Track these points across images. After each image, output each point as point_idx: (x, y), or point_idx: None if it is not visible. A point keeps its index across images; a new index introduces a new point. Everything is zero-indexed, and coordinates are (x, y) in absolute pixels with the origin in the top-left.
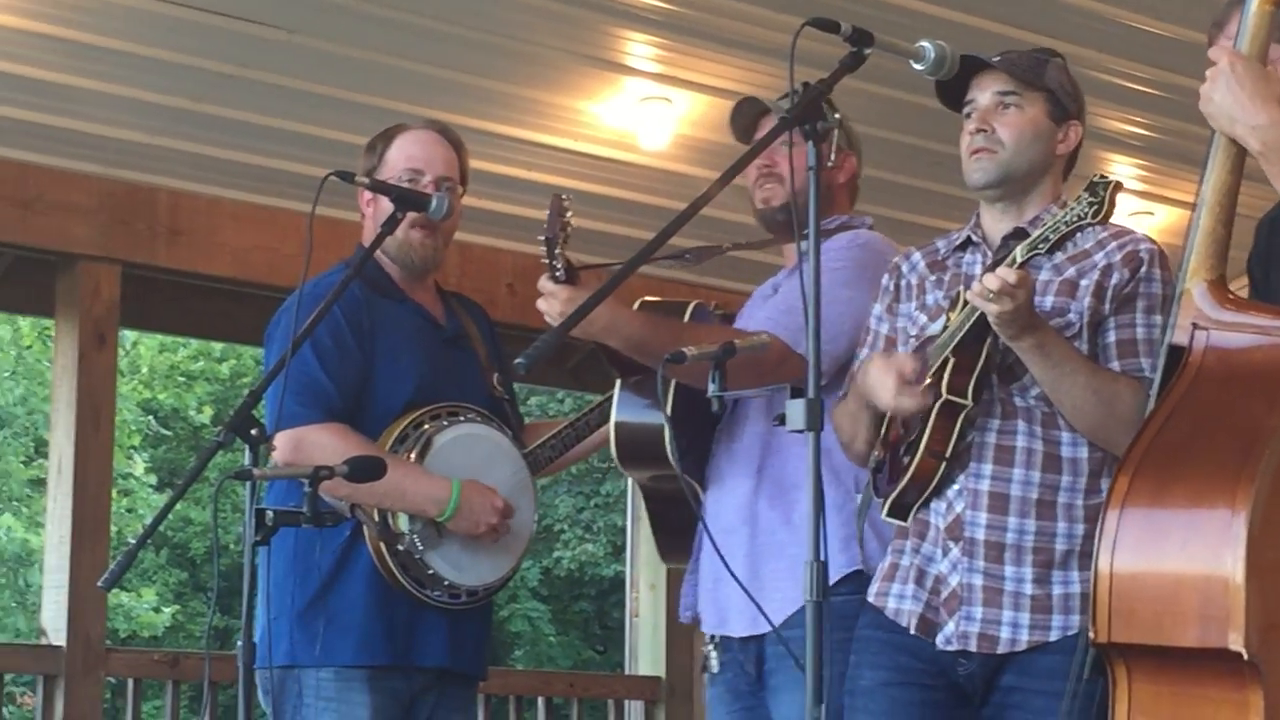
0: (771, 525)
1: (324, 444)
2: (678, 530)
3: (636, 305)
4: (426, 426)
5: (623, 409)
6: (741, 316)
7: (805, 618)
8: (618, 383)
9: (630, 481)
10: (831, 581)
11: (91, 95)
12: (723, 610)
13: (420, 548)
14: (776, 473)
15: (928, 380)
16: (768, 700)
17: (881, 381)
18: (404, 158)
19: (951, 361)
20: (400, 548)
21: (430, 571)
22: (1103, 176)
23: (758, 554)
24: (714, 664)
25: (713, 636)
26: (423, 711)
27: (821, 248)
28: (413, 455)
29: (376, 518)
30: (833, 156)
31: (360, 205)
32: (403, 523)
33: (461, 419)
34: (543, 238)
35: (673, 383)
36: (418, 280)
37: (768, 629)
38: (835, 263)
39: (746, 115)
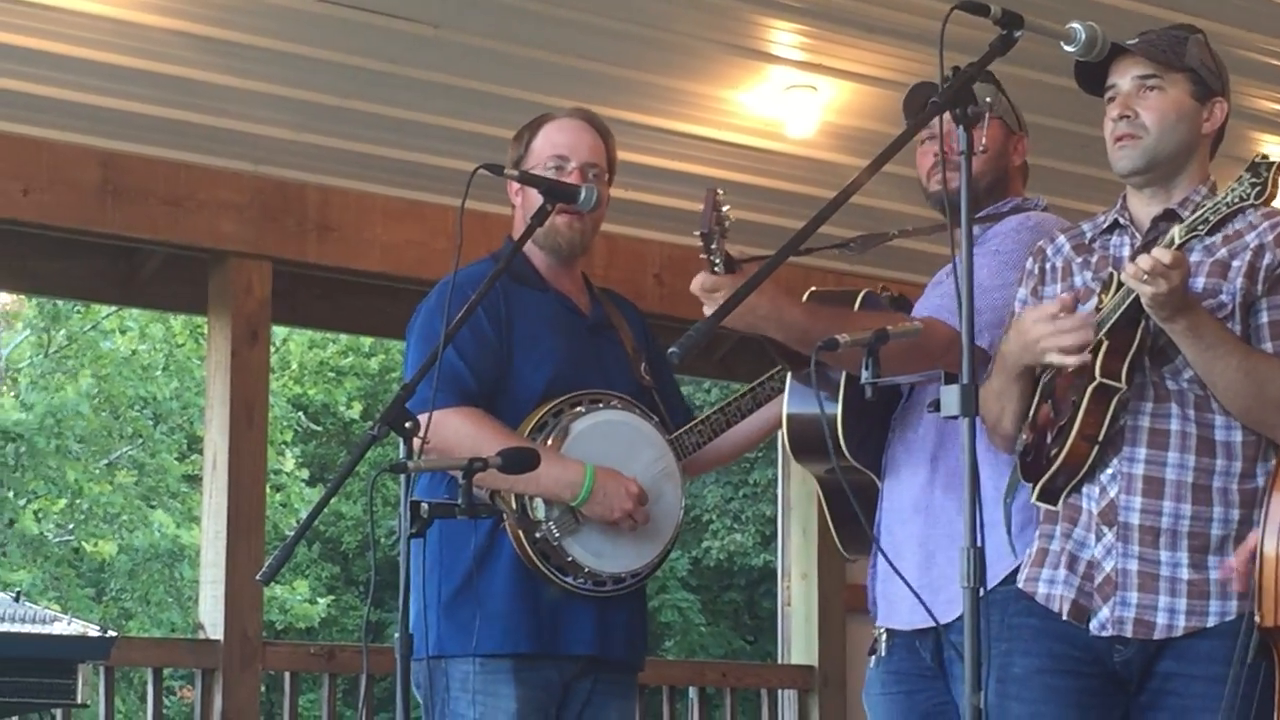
0: (948, 514)
1: (456, 428)
2: (859, 523)
3: (806, 295)
4: (566, 413)
5: (793, 401)
6: (916, 306)
7: (980, 607)
8: (788, 376)
9: (780, 471)
10: (1014, 568)
11: (239, 93)
12: (893, 603)
13: (557, 535)
14: (952, 461)
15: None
16: (952, 688)
17: (1039, 323)
18: (549, 145)
19: (1105, 344)
20: (538, 535)
21: (570, 559)
22: (1265, 157)
23: (934, 543)
24: (882, 649)
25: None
26: (577, 699)
27: (990, 231)
28: (549, 442)
29: (514, 505)
30: (984, 140)
31: (509, 196)
32: (539, 510)
33: (602, 406)
34: (699, 232)
35: (843, 373)
36: (563, 268)
37: (942, 622)
38: (1000, 246)
39: (918, 99)
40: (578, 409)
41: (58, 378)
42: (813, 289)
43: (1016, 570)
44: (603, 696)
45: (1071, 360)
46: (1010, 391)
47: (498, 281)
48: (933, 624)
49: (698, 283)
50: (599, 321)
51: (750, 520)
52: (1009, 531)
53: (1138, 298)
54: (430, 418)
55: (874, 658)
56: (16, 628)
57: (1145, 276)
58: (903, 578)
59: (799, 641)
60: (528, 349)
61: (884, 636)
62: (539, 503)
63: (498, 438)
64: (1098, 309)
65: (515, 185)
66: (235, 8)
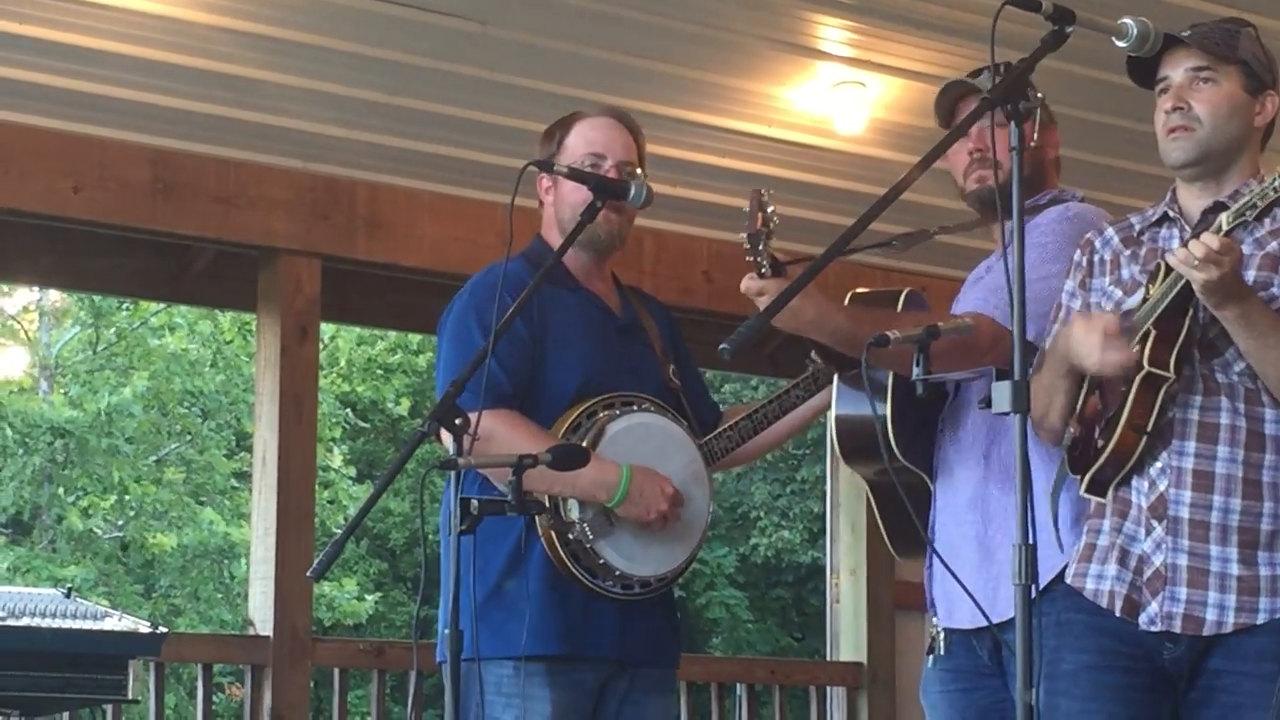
0: (1004, 511)
1: (492, 430)
2: (911, 525)
3: (847, 297)
4: (600, 415)
5: (842, 403)
6: (956, 302)
7: (1038, 605)
8: (835, 378)
9: (828, 467)
10: (1064, 564)
11: (288, 90)
12: (953, 602)
13: (590, 536)
14: (1005, 457)
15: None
16: (1009, 685)
17: (1086, 340)
18: (584, 143)
19: (1153, 334)
20: (571, 536)
21: (601, 561)
22: None
23: (991, 541)
24: (940, 648)
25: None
26: (615, 697)
27: (1030, 224)
28: (584, 443)
29: (548, 505)
30: (1035, 135)
31: (539, 193)
32: (573, 511)
33: (635, 408)
34: (744, 234)
35: (891, 375)
36: (595, 266)
37: (999, 620)
38: (1042, 238)
39: (949, 99)
40: (611, 410)
41: (106, 374)
42: (854, 291)
43: (1066, 566)
44: (641, 694)
45: (1109, 374)
46: (1058, 386)
47: (530, 280)
48: (986, 624)
49: (744, 286)
50: (630, 322)
51: (798, 517)
52: (1056, 526)
53: (1186, 285)
54: (479, 416)
55: (931, 656)
56: (68, 624)
57: (1195, 262)
58: (958, 579)
59: (847, 638)
60: (560, 350)
61: (941, 635)
62: (572, 504)
63: (531, 439)
64: (1145, 299)
65: (546, 182)
66: (284, 5)
